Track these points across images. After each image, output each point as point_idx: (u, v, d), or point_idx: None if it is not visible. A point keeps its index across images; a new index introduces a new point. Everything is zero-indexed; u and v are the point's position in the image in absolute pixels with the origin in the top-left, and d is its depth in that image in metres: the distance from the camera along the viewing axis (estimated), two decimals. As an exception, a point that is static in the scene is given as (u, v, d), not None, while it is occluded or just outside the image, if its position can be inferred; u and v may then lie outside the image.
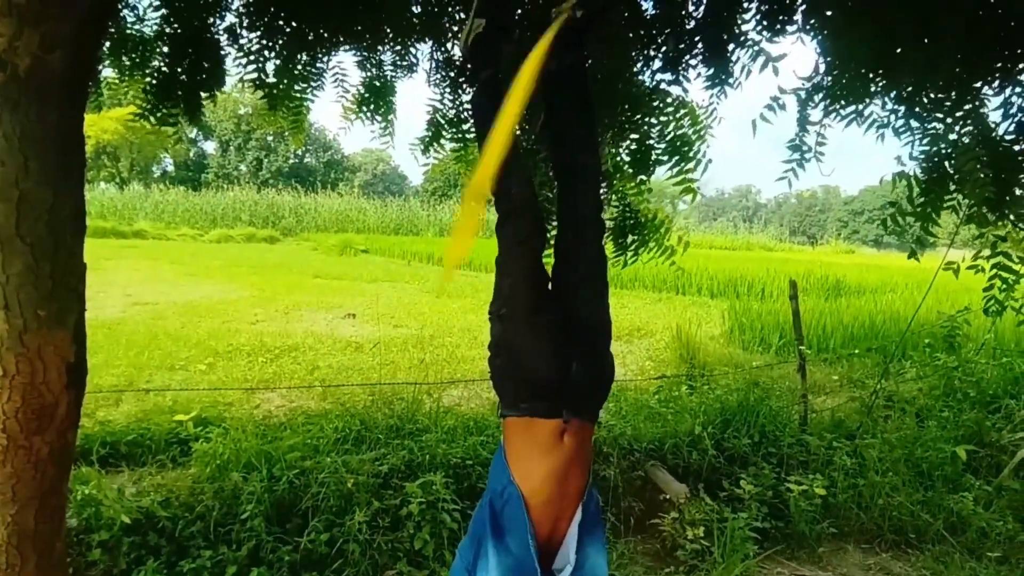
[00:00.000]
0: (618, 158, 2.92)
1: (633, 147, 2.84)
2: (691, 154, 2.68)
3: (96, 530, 2.76)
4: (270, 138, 51.37)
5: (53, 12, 1.42)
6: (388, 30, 2.84)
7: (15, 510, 1.59)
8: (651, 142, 2.80)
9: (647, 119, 2.78)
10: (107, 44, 2.77)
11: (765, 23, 2.42)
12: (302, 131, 3.28)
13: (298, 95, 3.03)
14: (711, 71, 2.56)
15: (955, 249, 2.79)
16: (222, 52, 2.83)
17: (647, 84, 2.74)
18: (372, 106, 3.09)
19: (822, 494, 3.60)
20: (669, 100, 2.73)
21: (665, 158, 2.75)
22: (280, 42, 2.82)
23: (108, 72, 2.95)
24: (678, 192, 2.69)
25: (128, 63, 2.86)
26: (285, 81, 2.97)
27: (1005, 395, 5.08)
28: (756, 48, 2.41)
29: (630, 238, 3.01)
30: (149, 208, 29.17)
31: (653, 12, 2.65)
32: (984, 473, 4.12)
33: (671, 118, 2.74)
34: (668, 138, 2.75)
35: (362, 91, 3.07)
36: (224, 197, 32.61)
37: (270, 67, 2.92)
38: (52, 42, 1.44)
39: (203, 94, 2.90)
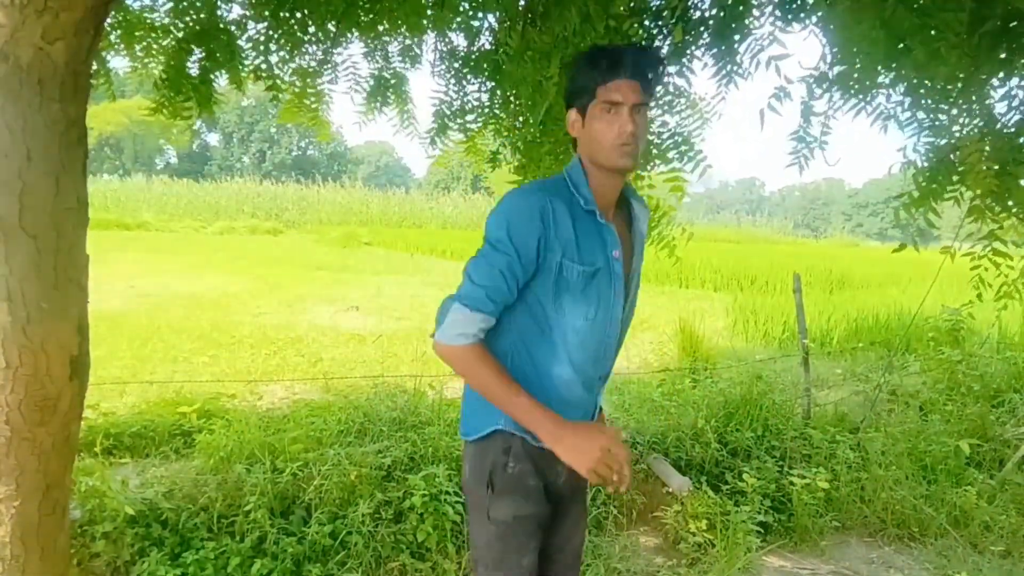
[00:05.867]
0: None
1: None
2: (690, 154, 2.67)
3: (100, 521, 2.77)
4: (273, 130, 51.43)
5: (54, 3, 1.41)
6: (398, 20, 2.81)
7: (19, 502, 1.60)
8: (650, 138, 2.78)
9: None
10: (116, 34, 2.75)
11: (778, 13, 2.40)
12: (326, 126, 3.28)
13: (313, 91, 3.03)
14: (719, 63, 2.53)
15: (959, 242, 2.76)
16: (236, 43, 2.81)
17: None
18: (384, 97, 3.08)
19: (825, 487, 3.59)
20: (670, 95, 2.71)
21: (663, 155, 2.73)
22: (287, 33, 2.81)
23: (120, 63, 2.95)
24: (673, 186, 2.68)
25: (140, 53, 2.85)
26: (297, 77, 2.96)
27: (1009, 389, 5.06)
28: (767, 40, 2.39)
29: None
30: (152, 200, 29.23)
31: (658, 3, 2.62)
32: (987, 467, 4.12)
33: (671, 115, 2.73)
34: (666, 136, 2.73)
35: (372, 84, 3.05)
36: (227, 189, 32.66)
37: (276, 59, 2.91)
38: (53, 33, 1.43)
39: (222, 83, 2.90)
